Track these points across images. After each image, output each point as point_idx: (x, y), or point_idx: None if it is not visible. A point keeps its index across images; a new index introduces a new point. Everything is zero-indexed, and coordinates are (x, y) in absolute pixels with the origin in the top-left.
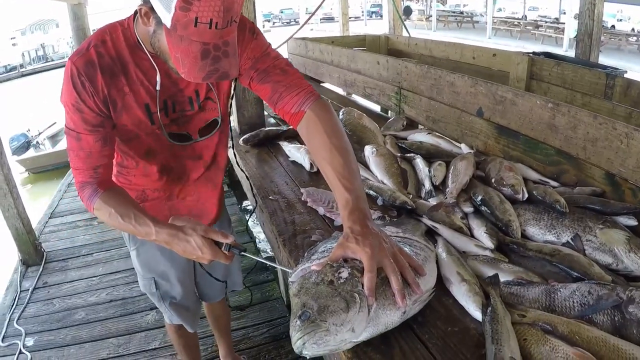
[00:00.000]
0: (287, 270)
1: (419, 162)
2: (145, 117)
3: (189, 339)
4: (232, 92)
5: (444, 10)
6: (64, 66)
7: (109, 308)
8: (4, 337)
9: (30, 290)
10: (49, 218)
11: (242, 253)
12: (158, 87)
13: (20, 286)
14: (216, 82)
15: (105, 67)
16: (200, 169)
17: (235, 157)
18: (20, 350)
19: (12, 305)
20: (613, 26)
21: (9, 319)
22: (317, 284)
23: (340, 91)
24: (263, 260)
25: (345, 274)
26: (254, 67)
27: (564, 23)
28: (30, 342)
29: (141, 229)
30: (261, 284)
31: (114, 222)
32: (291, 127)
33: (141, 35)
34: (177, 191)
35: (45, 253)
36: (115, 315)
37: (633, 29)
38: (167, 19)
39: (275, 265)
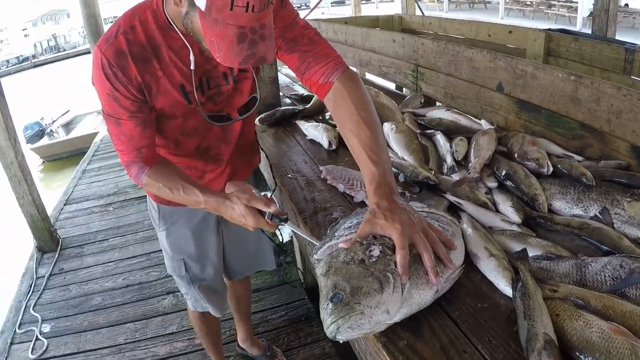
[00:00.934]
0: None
1: (440, 138)
2: (181, 97)
3: (212, 325)
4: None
5: None
6: (76, 56)
7: (126, 293)
8: (20, 324)
9: (46, 277)
10: (64, 205)
11: (283, 223)
12: (192, 67)
13: (36, 273)
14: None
15: (136, 54)
16: (234, 145)
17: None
18: (37, 336)
19: (29, 292)
20: (627, 4)
21: (25, 306)
22: (347, 263)
23: (354, 70)
24: (305, 236)
25: (376, 252)
26: (281, 36)
27: (576, 2)
28: (46, 328)
29: (190, 199)
30: (279, 267)
31: (163, 194)
32: (308, 106)
33: (172, 15)
34: (209, 169)
35: (60, 239)
36: (132, 300)
37: None
38: (201, 1)
39: (316, 243)
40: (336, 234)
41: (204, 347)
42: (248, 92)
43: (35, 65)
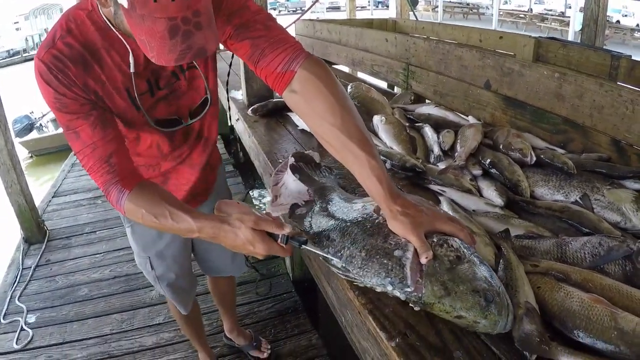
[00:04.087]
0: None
1: (428, 130)
2: (128, 102)
3: (191, 314)
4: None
5: (450, 2)
6: None
7: (113, 284)
8: (5, 314)
9: (32, 268)
10: (52, 197)
11: (303, 246)
12: (132, 70)
13: (22, 264)
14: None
15: (76, 57)
16: (192, 148)
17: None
18: (22, 327)
19: (14, 283)
20: (618, 21)
21: (11, 297)
22: (452, 269)
23: (346, 69)
24: (329, 256)
25: (455, 243)
26: (229, 22)
27: (569, 17)
28: (32, 319)
29: (181, 227)
30: (266, 260)
31: (148, 222)
32: None
33: (107, 15)
34: (170, 174)
35: (48, 231)
36: (119, 292)
37: (638, 24)
38: None
39: (341, 270)
40: (378, 260)
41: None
42: (200, 95)
43: (26, 60)
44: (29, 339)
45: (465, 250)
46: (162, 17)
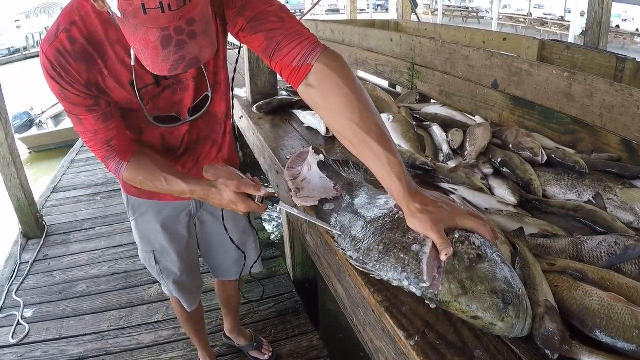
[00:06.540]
0: (330, 229)
1: (436, 129)
2: (133, 94)
3: (194, 311)
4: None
5: (449, 5)
6: None
7: (111, 281)
8: (2, 308)
9: (30, 263)
10: (51, 193)
11: (276, 205)
12: (133, 63)
13: (20, 258)
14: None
15: (78, 53)
16: (200, 140)
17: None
18: (19, 321)
19: (11, 277)
20: (618, 26)
21: (8, 291)
22: (471, 268)
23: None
24: (302, 216)
25: (477, 241)
26: (241, 14)
27: (569, 21)
28: (29, 313)
29: (175, 189)
30: (267, 260)
31: (146, 187)
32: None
33: None
34: (180, 162)
35: (46, 226)
36: (117, 288)
37: (637, 29)
38: (114, 6)
39: (317, 222)
40: (394, 256)
41: (187, 335)
42: (202, 91)
43: (27, 58)
44: (25, 333)
45: (487, 248)
46: (154, 27)
